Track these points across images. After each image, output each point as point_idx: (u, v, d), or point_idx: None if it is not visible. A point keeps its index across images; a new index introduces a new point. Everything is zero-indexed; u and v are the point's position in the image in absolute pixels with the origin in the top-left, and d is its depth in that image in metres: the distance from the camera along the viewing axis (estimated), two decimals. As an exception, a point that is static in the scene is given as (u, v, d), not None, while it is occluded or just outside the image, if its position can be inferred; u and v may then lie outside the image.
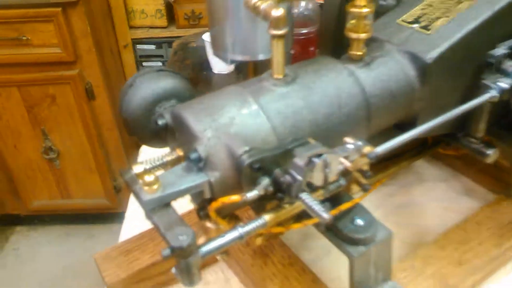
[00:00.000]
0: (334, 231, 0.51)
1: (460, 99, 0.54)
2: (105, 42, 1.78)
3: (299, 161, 0.38)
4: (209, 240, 0.40)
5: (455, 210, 0.70)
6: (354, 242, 0.50)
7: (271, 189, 0.39)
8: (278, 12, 0.42)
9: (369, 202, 0.74)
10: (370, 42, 0.54)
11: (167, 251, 0.36)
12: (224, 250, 0.52)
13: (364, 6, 0.47)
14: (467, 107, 0.51)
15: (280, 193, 0.39)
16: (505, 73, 0.53)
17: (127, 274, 0.59)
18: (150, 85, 0.49)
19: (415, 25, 0.54)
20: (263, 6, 0.43)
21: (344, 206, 0.51)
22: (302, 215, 0.54)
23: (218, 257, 0.53)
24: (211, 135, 0.40)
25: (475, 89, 0.54)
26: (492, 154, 0.57)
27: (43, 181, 1.85)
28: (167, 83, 0.50)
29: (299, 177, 0.38)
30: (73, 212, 1.96)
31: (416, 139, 0.68)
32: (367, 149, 0.42)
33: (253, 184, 0.39)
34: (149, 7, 1.82)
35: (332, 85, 0.46)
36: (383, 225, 0.51)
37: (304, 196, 0.38)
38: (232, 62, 0.55)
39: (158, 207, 0.39)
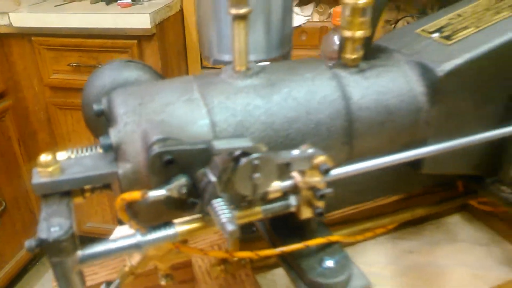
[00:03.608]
0: (297, 271, 0.40)
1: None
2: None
3: (217, 158, 0.30)
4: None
5: (488, 281, 0.55)
6: (317, 287, 0.39)
7: (184, 190, 0.31)
8: (237, -12, 0.35)
9: (383, 255, 0.63)
10: (378, 53, 0.45)
11: (31, 242, 0.29)
12: (168, 274, 0.43)
13: (358, -2, 0.39)
14: (480, 138, 0.39)
15: (192, 198, 0.31)
16: (550, 103, 0.41)
17: None
18: (112, 74, 0.44)
19: (435, 35, 0.44)
20: (224, -18, 0.37)
21: (313, 242, 0.40)
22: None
23: (162, 282, 0.44)
24: (131, 120, 0.33)
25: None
26: (528, 208, 0.43)
27: (98, 205, 1.87)
28: (131, 73, 0.44)
29: (212, 178, 0.29)
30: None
31: (439, 182, 0.56)
32: (319, 159, 0.32)
33: (167, 182, 0.31)
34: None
35: (304, 87, 0.38)
36: (361, 273, 0.40)
37: (216, 202, 0.29)
38: (216, 62, 0.48)
39: (54, 195, 0.32)
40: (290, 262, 0.42)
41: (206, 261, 0.54)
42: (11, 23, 1.70)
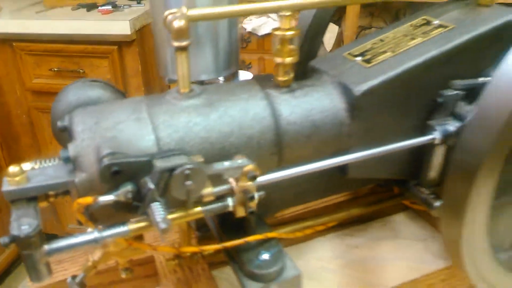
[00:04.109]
0: (239, 264, 0.47)
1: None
2: (156, 83, 1.88)
3: (156, 169, 0.37)
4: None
5: (423, 272, 0.62)
6: (254, 277, 0.46)
7: (130, 196, 0.38)
8: (179, 23, 0.42)
9: (331, 251, 0.70)
10: (312, 73, 0.52)
11: (5, 238, 0.35)
12: (127, 268, 0.50)
13: (289, 29, 0.46)
14: (393, 148, 0.46)
15: (136, 202, 0.37)
16: (456, 116, 0.48)
17: (49, 283, 0.58)
18: (77, 93, 0.51)
19: (358, 58, 0.51)
20: (169, 18, 0.43)
21: (251, 238, 0.48)
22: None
23: (122, 275, 0.51)
24: (87, 137, 0.40)
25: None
26: (439, 207, 0.50)
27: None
28: (94, 92, 0.51)
29: (151, 185, 0.36)
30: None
31: (372, 184, 0.64)
32: (248, 167, 0.39)
33: (116, 189, 0.38)
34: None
35: (239, 106, 0.45)
36: (293, 264, 0.47)
37: (154, 205, 0.36)
38: (171, 81, 0.55)
39: (21, 200, 0.39)
40: (233, 256, 0.49)
41: (168, 257, 0.61)
42: (-8, 29, 1.75)
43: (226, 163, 0.39)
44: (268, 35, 1.76)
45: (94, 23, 1.70)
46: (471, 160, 0.39)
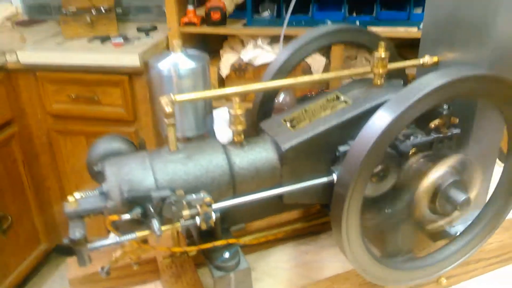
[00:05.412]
0: (209, 259, 0.79)
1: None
2: (163, 107, 2.21)
3: (154, 199, 0.68)
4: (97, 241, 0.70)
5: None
6: (219, 268, 0.77)
7: (139, 215, 0.69)
8: (167, 109, 0.74)
9: (287, 255, 1.01)
10: (259, 131, 0.84)
11: (66, 239, 0.67)
12: (136, 262, 0.82)
13: (238, 108, 0.77)
14: (306, 185, 0.77)
15: (143, 219, 0.69)
16: (347, 164, 0.79)
17: (84, 274, 0.90)
18: (103, 144, 0.82)
19: (288, 124, 0.82)
20: (162, 102, 0.75)
21: (218, 243, 0.79)
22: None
23: (134, 268, 0.82)
24: (113, 178, 0.72)
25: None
26: (339, 223, 0.81)
27: (94, 221, 2.26)
28: (114, 145, 0.83)
29: (152, 209, 0.68)
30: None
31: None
32: (206, 199, 0.70)
33: (130, 211, 0.70)
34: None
35: (206, 158, 0.76)
36: (245, 261, 0.78)
37: (153, 220, 0.67)
38: (166, 136, 0.86)
39: (76, 217, 0.71)
40: (206, 254, 0.80)
41: (164, 255, 0.92)
42: (18, 60, 2.09)
43: (194, 196, 0.70)
44: (263, 65, 2.08)
45: (107, 56, 2.04)
46: (341, 190, 0.70)
